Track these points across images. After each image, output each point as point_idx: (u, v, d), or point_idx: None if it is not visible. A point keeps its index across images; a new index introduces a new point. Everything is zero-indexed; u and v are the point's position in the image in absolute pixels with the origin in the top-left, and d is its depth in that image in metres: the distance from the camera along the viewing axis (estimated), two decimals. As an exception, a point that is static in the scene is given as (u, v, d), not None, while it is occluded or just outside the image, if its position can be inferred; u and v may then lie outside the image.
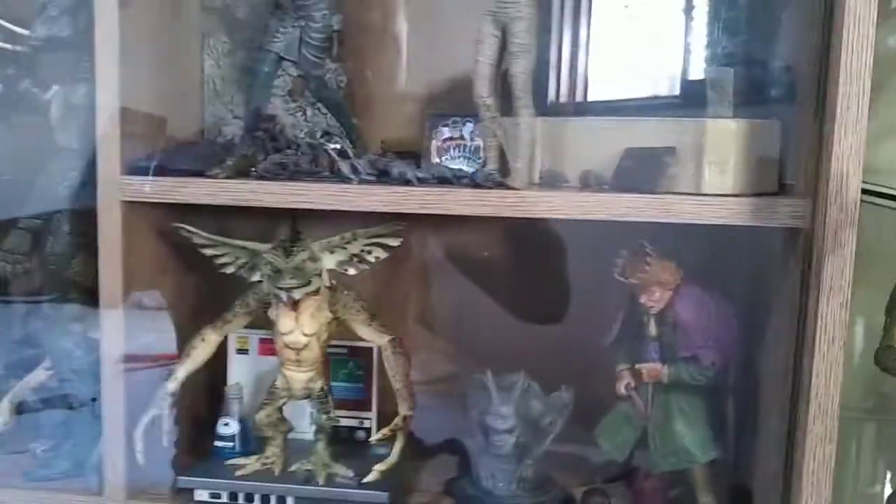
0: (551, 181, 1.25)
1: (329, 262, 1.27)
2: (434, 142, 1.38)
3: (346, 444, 1.44)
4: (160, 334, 1.41)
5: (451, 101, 1.44)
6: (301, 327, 1.27)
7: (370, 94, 1.55)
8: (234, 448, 1.42)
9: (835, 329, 1.08)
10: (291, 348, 1.28)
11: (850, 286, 1.08)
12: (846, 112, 1.05)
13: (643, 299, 1.29)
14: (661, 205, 1.15)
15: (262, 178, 1.29)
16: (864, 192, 1.25)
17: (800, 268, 1.15)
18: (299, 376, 1.31)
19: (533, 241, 1.46)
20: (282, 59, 1.35)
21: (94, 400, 1.43)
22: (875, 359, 1.16)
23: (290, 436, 1.39)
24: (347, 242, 1.27)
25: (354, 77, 1.55)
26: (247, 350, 1.49)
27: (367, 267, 1.28)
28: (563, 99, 1.39)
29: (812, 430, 1.10)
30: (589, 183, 1.22)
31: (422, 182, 1.25)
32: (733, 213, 1.14)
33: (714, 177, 1.17)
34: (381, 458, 1.32)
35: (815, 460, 1.11)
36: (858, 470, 1.45)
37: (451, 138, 1.38)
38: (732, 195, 1.17)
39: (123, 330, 1.32)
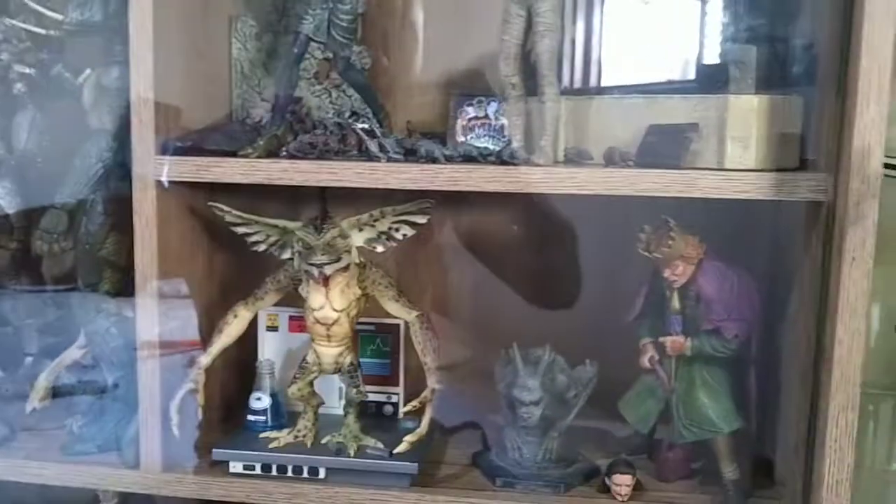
0: (576, 158, 1.28)
1: (358, 239, 1.30)
2: (459, 121, 1.41)
3: (374, 419, 1.47)
4: (191, 321, 1.44)
5: (476, 82, 1.47)
6: (331, 303, 1.30)
7: (395, 76, 1.58)
8: (266, 422, 1.45)
9: (857, 299, 1.10)
10: (322, 324, 1.31)
11: (872, 257, 1.10)
12: (868, 85, 1.07)
13: (666, 273, 1.31)
14: (685, 180, 1.17)
15: (292, 157, 1.31)
16: (887, 166, 1.28)
17: (821, 240, 1.17)
18: (329, 351, 1.34)
19: (557, 219, 1.49)
20: (311, 40, 1.37)
21: (116, 386, 1.47)
22: (896, 329, 1.18)
23: (321, 410, 1.43)
24: (376, 220, 1.30)
25: (378, 59, 1.58)
26: (277, 327, 1.52)
27: (394, 244, 1.31)
28: (586, 80, 1.40)
29: (835, 398, 1.13)
30: (613, 159, 1.24)
31: (449, 160, 1.28)
32: (756, 187, 1.16)
33: (737, 152, 1.20)
34: (409, 432, 1.34)
35: (838, 428, 1.13)
36: (876, 446, 1.47)
37: (475, 117, 1.40)
38: (755, 170, 1.19)
39: (158, 308, 1.35)
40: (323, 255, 1.25)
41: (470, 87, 1.46)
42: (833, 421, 1.13)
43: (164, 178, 1.31)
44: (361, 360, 1.43)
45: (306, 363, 1.36)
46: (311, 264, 1.26)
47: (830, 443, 1.14)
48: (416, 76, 1.58)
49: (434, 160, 1.28)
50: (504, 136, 1.37)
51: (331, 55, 1.42)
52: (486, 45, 1.34)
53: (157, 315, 1.35)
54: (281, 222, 1.32)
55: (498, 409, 1.42)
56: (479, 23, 1.48)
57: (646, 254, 1.30)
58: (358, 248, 1.31)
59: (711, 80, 1.26)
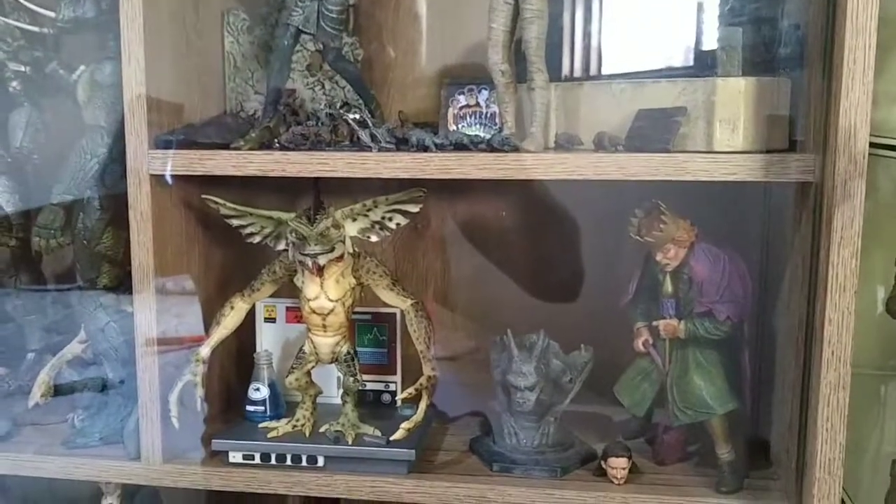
0: (566, 144, 1.28)
1: (352, 228, 1.31)
2: (451, 110, 1.42)
3: (372, 408, 1.48)
4: (192, 317, 1.45)
5: (467, 70, 1.47)
6: (326, 293, 1.32)
7: (387, 67, 1.59)
8: (265, 412, 1.46)
9: (846, 278, 1.11)
10: (317, 314, 1.33)
11: (860, 236, 1.11)
12: (853, 65, 1.07)
13: (659, 257, 1.32)
14: (674, 163, 1.18)
15: (284, 149, 1.32)
16: (880, 146, 1.29)
17: (811, 221, 1.17)
18: (326, 341, 1.35)
19: (550, 205, 1.50)
20: (301, 32, 1.38)
21: (117, 380, 1.49)
22: (886, 307, 1.19)
23: (319, 400, 1.44)
24: (369, 210, 1.31)
25: (371, 50, 1.59)
26: (274, 319, 1.54)
27: (388, 233, 1.32)
28: (576, 67, 1.41)
29: (826, 377, 1.13)
30: (603, 144, 1.25)
31: (440, 148, 1.28)
32: (744, 169, 1.16)
33: (725, 134, 1.20)
34: (407, 420, 1.36)
35: (830, 406, 1.14)
36: (883, 429, 1.47)
37: (467, 106, 1.41)
38: (743, 152, 1.19)
39: (157, 303, 1.36)
40: (316, 245, 1.27)
41: (461, 75, 1.47)
42: (825, 400, 1.14)
43: (167, 174, 1.33)
44: (359, 349, 1.45)
45: (303, 353, 1.38)
46: (305, 254, 1.27)
47: (822, 421, 1.14)
48: (409, 66, 1.59)
49: (425, 149, 1.28)
50: (495, 124, 1.38)
51: (321, 47, 1.43)
52: (477, 34, 1.34)
53: (155, 309, 1.36)
54: (275, 213, 1.33)
55: (494, 394, 1.43)
56: (470, 12, 1.48)
57: (637, 238, 1.31)
58: (352, 237, 1.32)
59: (699, 63, 1.27)
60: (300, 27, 1.37)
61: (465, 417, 1.56)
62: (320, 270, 1.29)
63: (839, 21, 1.08)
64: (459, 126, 1.40)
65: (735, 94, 1.20)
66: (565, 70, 1.37)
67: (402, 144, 1.30)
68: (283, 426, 1.41)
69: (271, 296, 1.42)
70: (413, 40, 1.59)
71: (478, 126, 1.40)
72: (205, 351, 1.38)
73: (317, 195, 1.33)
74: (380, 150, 1.30)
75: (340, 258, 1.30)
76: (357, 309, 1.40)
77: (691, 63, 1.28)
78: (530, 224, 1.58)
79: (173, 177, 1.33)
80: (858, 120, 1.09)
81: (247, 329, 1.49)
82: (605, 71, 1.35)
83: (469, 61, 1.52)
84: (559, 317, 1.50)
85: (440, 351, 1.52)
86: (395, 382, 1.52)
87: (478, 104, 1.41)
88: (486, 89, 1.40)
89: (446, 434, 1.51)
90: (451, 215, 1.60)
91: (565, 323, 1.45)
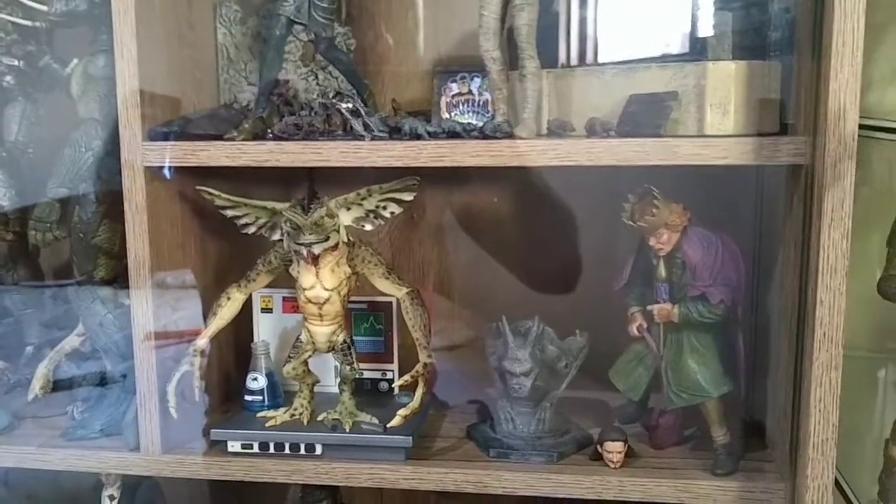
0: (559, 130, 1.29)
1: (346, 218, 1.32)
2: (443, 98, 1.42)
3: (370, 396, 1.49)
4: (189, 308, 1.46)
5: (459, 58, 1.48)
6: (322, 282, 1.32)
7: (380, 56, 1.59)
8: (262, 402, 1.47)
9: (837, 259, 1.12)
10: (313, 303, 1.33)
11: (851, 218, 1.11)
12: (841, 48, 1.08)
13: (652, 242, 1.32)
14: (666, 148, 1.18)
15: (277, 139, 1.33)
16: (873, 128, 1.29)
17: (802, 203, 1.18)
18: (322, 330, 1.36)
19: (544, 192, 1.50)
20: (292, 22, 1.38)
21: (115, 371, 1.50)
22: (878, 288, 1.19)
23: (317, 389, 1.45)
24: (363, 199, 1.31)
25: (364, 40, 1.59)
26: (271, 309, 1.54)
27: (382, 222, 1.33)
28: (568, 54, 1.41)
29: (818, 357, 1.14)
30: (595, 130, 1.25)
31: (433, 136, 1.29)
32: (736, 152, 1.17)
33: (716, 118, 1.21)
34: (404, 407, 1.36)
35: (822, 387, 1.15)
36: (877, 410, 1.48)
37: (459, 94, 1.42)
38: (735, 136, 1.20)
39: (154, 296, 1.37)
40: (311, 234, 1.27)
41: (454, 64, 1.47)
42: (817, 381, 1.15)
43: (164, 166, 1.33)
44: (356, 338, 1.46)
45: (300, 342, 1.38)
46: (300, 244, 1.28)
47: (815, 402, 1.15)
48: (402, 55, 1.59)
49: (418, 137, 1.29)
50: (488, 111, 1.38)
51: (313, 37, 1.43)
52: (470, 22, 1.34)
53: (152, 300, 1.37)
54: (269, 204, 1.34)
55: (492, 381, 1.44)
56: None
57: (630, 223, 1.32)
58: (346, 226, 1.32)
59: (690, 48, 1.27)
60: (292, 17, 1.37)
61: (463, 404, 1.57)
62: (315, 260, 1.30)
63: (828, 4, 1.08)
64: (452, 114, 1.41)
65: (725, 78, 1.21)
66: (557, 57, 1.37)
67: (394, 133, 1.31)
68: (280, 415, 1.42)
69: (268, 286, 1.43)
70: (406, 29, 1.59)
71: (471, 114, 1.41)
72: (202, 342, 1.39)
73: (311, 185, 1.34)
74: (373, 139, 1.30)
75: (335, 247, 1.30)
76: (353, 298, 1.41)
77: (682, 48, 1.29)
78: (526, 211, 1.58)
79: (169, 168, 1.34)
80: (847, 102, 1.09)
81: (244, 319, 1.50)
82: (596, 57, 1.35)
83: (461, 49, 1.53)
84: (555, 303, 1.51)
85: (437, 339, 1.55)
86: (392, 370, 1.53)
87: (470, 92, 1.41)
88: (478, 77, 1.41)
89: (444, 421, 1.52)
90: (447, 203, 1.60)
91: (561, 309, 1.46)
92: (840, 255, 1.11)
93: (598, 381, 1.44)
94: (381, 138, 1.31)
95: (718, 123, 1.21)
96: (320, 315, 1.35)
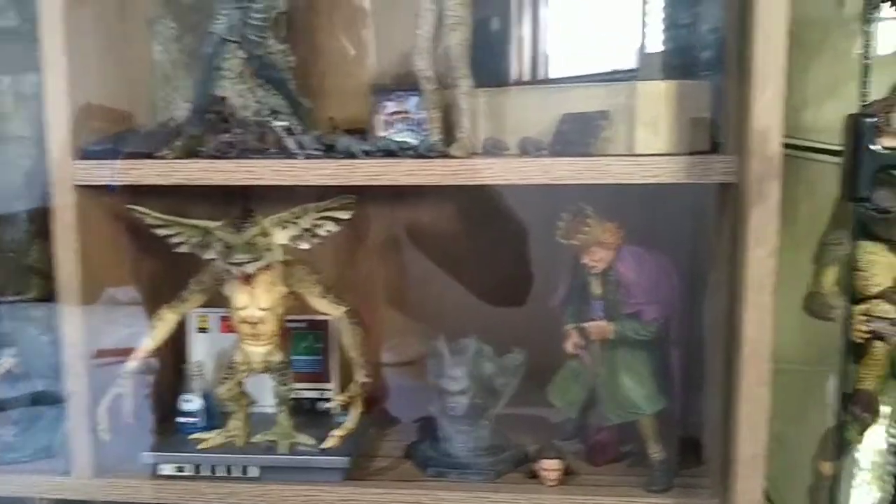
0: (493, 149, 1.29)
1: (281, 236, 1.31)
2: (380, 116, 1.42)
3: (309, 416, 1.47)
4: (122, 329, 1.43)
5: (397, 76, 1.47)
6: (256, 302, 1.31)
7: (320, 74, 1.58)
8: (198, 423, 1.45)
9: (763, 277, 1.13)
10: (248, 323, 1.32)
11: (778, 235, 1.13)
12: (764, 69, 1.10)
13: (586, 260, 1.33)
14: (597, 167, 1.19)
15: (211, 157, 1.31)
16: (804, 148, 1.32)
17: (731, 221, 1.19)
18: (257, 350, 1.34)
19: (479, 211, 1.51)
20: (225, 40, 1.36)
21: (48, 394, 1.46)
22: (803, 304, 1.21)
23: (256, 409, 1.43)
24: (298, 217, 1.31)
25: (303, 57, 1.58)
26: (207, 329, 1.52)
27: (319, 241, 1.32)
28: (504, 72, 1.42)
29: (747, 374, 1.15)
30: (527, 149, 1.26)
31: (368, 155, 1.28)
32: (666, 171, 1.18)
33: (647, 137, 1.22)
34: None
35: (751, 403, 1.16)
36: (808, 424, 1.49)
37: (396, 112, 1.41)
38: (665, 154, 1.21)
39: (88, 315, 1.35)
40: (244, 253, 1.26)
41: (391, 82, 1.47)
42: (746, 397, 1.16)
43: (104, 183, 1.31)
44: (294, 357, 1.44)
45: (235, 363, 1.37)
46: (232, 263, 1.26)
47: (744, 418, 1.16)
48: (342, 73, 1.58)
49: (352, 156, 1.28)
50: (424, 130, 1.38)
51: (247, 55, 1.42)
52: (408, 41, 1.34)
53: (83, 321, 1.34)
54: (201, 223, 1.32)
55: (432, 398, 1.43)
56: (402, 18, 1.47)
57: (564, 241, 1.32)
58: (282, 245, 1.31)
59: (622, 68, 1.28)
60: (224, 35, 1.36)
61: (406, 423, 1.56)
62: (249, 279, 1.29)
63: (750, 26, 1.10)
64: (389, 132, 1.40)
65: (656, 97, 1.22)
66: (492, 75, 1.38)
67: (329, 151, 1.30)
68: (214, 437, 1.40)
69: (204, 306, 1.41)
70: (346, 46, 1.58)
71: (407, 132, 1.40)
72: (134, 364, 1.36)
73: (245, 203, 1.32)
74: (307, 158, 1.29)
75: (269, 267, 1.29)
76: (292, 316, 1.40)
77: (614, 67, 1.30)
78: (468, 228, 1.58)
79: (98, 187, 1.32)
80: (771, 122, 1.11)
81: (182, 340, 1.48)
82: (532, 76, 1.36)
83: (399, 68, 1.52)
84: (494, 319, 1.50)
85: (379, 357, 1.54)
86: (331, 390, 1.51)
87: (407, 110, 1.41)
88: (415, 95, 1.40)
89: (385, 440, 1.51)
90: (389, 220, 1.60)
91: (500, 325, 1.46)
92: (767, 272, 1.13)
93: (536, 398, 1.44)
94: (315, 157, 1.30)
95: (649, 142, 1.22)
96: (255, 335, 1.33)
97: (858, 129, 1.03)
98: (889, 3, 1.16)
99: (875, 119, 1.04)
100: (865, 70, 1.16)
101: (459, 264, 1.59)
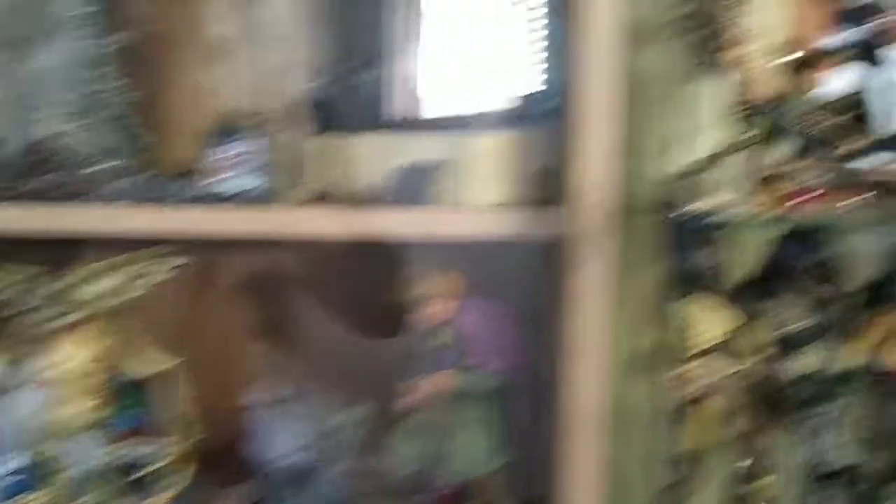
0: (324, 198, 1.25)
1: (100, 287, 1.23)
2: (213, 160, 1.35)
3: (134, 476, 1.38)
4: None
5: (235, 119, 1.42)
6: (77, 355, 1.23)
7: (159, 113, 1.51)
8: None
9: (592, 335, 1.12)
10: (66, 380, 1.24)
11: (608, 291, 1.12)
12: (592, 124, 1.09)
13: (428, 311, 1.30)
14: (426, 219, 1.16)
15: (28, 200, 1.23)
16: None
17: (563, 275, 1.18)
18: (78, 406, 1.26)
19: (323, 259, 1.46)
20: (58, 76, 1.30)
21: None
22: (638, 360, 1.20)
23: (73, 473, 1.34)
24: (121, 266, 1.23)
25: (144, 94, 1.52)
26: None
27: (142, 291, 1.25)
28: (343, 119, 1.39)
29: (571, 432, 1.13)
30: (361, 199, 1.22)
31: (195, 201, 1.23)
32: (496, 225, 1.16)
33: (478, 189, 1.20)
34: (168, 489, 1.28)
35: (581, 462, 1.14)
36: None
37: (228, 156, 1.35)
38: (496, 207, 1.19)
39: None
40: (57, 306, 1.18)
41: (230, 124, 1.41)
42: (576, 453, 1.14)
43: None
44: (118, 413, 1.36)
45: (53, 421, 1.27)
46: (44, 318, 1.18)
47: (579, 476, 1.14)
48: (181, 113, 1.51)
49: (181, 201, 1.22)
50: (259, 175, 1.33)
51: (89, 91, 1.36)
52: (250, 83, 1.30)
53: None
54: (17, 270, 1.23)
55: (268, 455, 1.37)
56: (259, 56, 1.44)
57: (405, 293, 1.29)
58: (100, 296, 1.24)
59: (457, 118, 1.27)
60: (52, 70, 1.29)
61: (241, 482, 1.48)
62: (65, 333, 1.21)
63: (576, 80, 1.09)
64: (222, 176, 1.34)
65: (488, 149, 1.20)
66: (329, 123, 1.34)
67: (153, 197, 1.24)
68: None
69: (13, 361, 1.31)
70: (186, 86, 1.52)
71: (240, 178, 1.34)
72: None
73: (67, 249, 1.25)
74: (132, 203, 1.22)
75: (85, 320, 1.22)
76: (114, 372, 1.31)
77: (450, 118, 1.28)
78: (312, 277, 1.53)
79: None
80: (600, 176, 1.10)
81: None
82: (370, 124, 1.33)
83: (247, 107, 1.47)
84: (333, 371, 1.45)
85: (210, 413, 1.46)
86: (159, 448, 1.42)
87: (241, 154, 1.35)
88: (253, 139, 1.35)
89: (219, 500, 1.43)
90: (219, 270, 1.53)
91: (339, 377, 1.41)
92: (596, 330, 1.12)
93: (378, 450, 1.39)
94: (142, 202, 1.23)
95: (482, 194, 1.19)
96: (76, 390, 1.25)
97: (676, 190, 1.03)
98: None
99: (694, 177, 1.04)
100: (694, 128, 1.16)
101: (304, 313, 1.54)
